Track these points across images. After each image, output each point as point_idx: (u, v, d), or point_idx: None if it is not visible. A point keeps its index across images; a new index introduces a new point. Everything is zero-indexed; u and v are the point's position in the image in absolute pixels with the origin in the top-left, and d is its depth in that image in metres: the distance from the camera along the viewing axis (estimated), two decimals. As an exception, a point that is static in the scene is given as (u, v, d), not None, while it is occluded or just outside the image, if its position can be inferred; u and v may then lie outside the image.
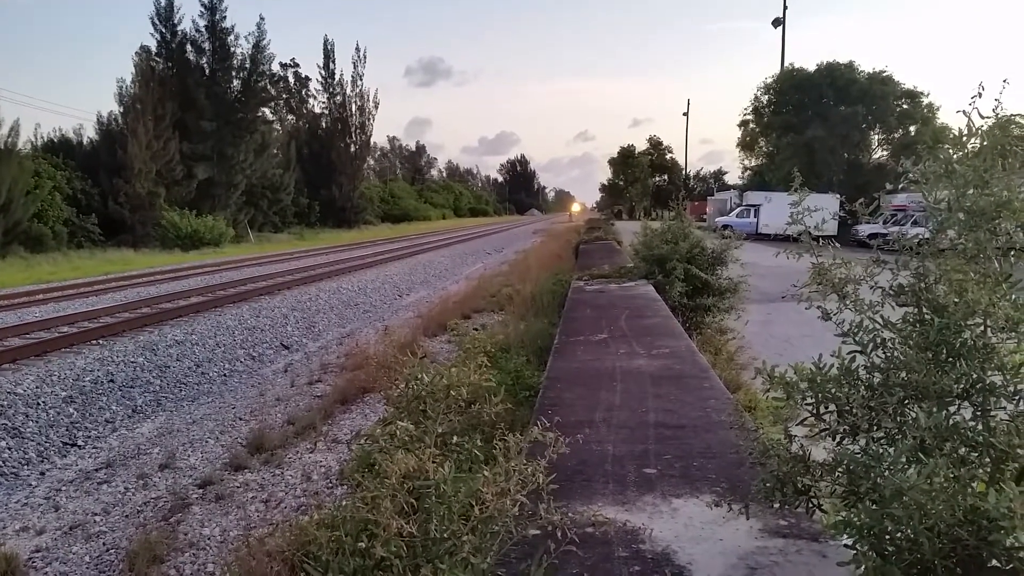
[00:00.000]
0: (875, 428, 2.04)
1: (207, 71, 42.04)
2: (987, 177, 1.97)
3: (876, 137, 46.14)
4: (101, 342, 11.67)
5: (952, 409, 1.92)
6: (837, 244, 2.35)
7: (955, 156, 2.08)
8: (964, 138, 2.07)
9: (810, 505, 2.24)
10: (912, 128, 43.28)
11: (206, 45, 42.13)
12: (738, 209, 43.81)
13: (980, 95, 2.03)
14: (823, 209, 2.52)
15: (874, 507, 1.82)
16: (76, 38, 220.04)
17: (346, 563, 2.01)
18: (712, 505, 2.55)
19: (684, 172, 79.80)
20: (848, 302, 2.19)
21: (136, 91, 36.09)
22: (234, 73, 43.22)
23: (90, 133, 38.04)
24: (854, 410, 2.04)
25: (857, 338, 2.13)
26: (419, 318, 14.22)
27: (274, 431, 7.70)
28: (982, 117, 2.05)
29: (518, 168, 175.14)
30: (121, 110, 36.58)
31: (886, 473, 1.81)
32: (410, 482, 1.91)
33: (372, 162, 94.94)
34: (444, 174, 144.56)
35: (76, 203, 32.70)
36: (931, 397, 1.92)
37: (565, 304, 8.71)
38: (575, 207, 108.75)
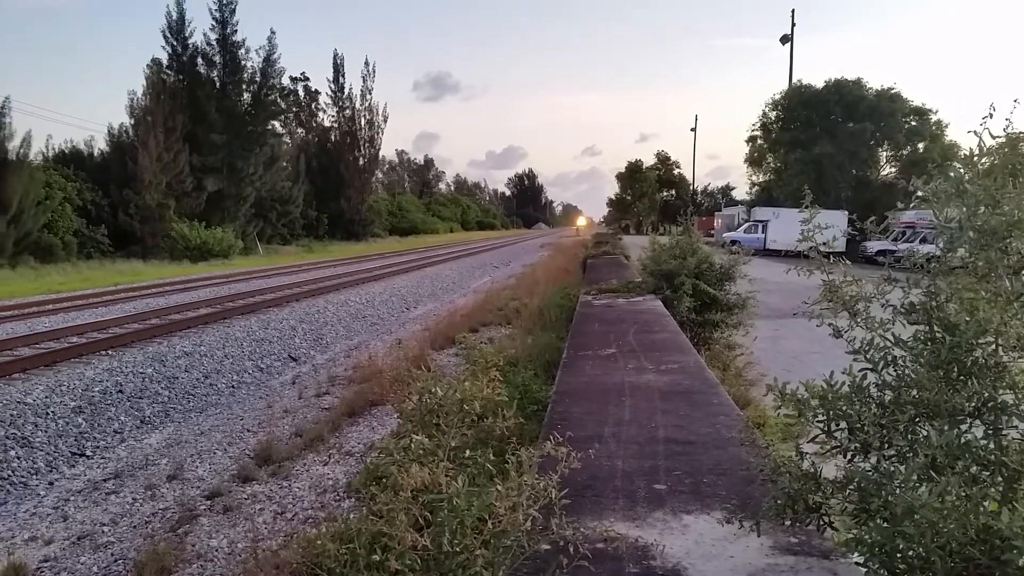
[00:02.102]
0: (886, 446, 2.05)
1: (218, 84, 42.44)
2: (998, 196, 1.98)
3: (884, 154, 46.18)
4: (110, 352, 11.73)
5: (964, 427, 1.92)
6: (848, 261, 2.36)
7: (966, 175, 2.09)
8: (975, 157, 2.09)
9: (821, 523, 2.24)
10: (920, 145, 43.25)
11: (217, 58, 42.57)
12: (746, 225, 43.84)
13: (991, 115, 2.05)
14: (833, 226, 2.54)
15: (885, 525, 1.82)
16: (88, 50, 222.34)
17: (358, 576, 2.02)
18: (723, 522, 2.55)
19: (692, 187, 79.95)
20: (859, 320, 2.20)
21: (147, 103, 36.50)
22: (244, 86, 43.62)
23: (101, 145, 38.65)
24: (865, 428, 2.04)
25: (868, 356, 2.14)
26: (427, 331, 14.23)
27: (282, 443, 7.71)
28: (993, 137, 2.06)
29: (525, 182, 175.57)
30: (132, 122, 37.06)
31: (897, 491, 1.82)
32: (423, 495, 1.92)
33: (380, 175, 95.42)
34: (452, 188, 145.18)
35: (86, 214, 33.00)
36: (943, 415, 1.92)
37: (573, 318, 8.71)
38: (581, 221, 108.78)
